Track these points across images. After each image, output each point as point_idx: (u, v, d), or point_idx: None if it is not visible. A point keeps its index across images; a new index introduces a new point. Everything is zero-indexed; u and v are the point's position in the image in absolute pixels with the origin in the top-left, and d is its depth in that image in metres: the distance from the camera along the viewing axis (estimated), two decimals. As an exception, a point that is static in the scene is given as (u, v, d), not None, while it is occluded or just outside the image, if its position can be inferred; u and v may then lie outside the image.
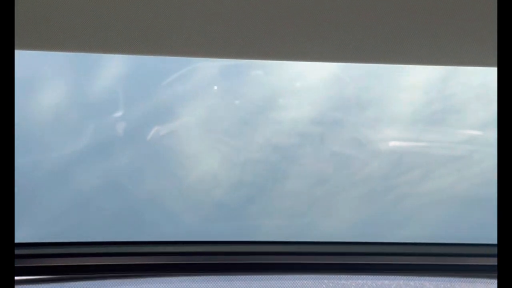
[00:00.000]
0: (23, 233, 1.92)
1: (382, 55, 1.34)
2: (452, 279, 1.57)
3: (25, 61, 2.08)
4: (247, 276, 1.52)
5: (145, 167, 2.23)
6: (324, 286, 1.51)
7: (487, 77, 2.11)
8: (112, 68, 2.18)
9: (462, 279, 1.57)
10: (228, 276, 1.52)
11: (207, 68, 2.15)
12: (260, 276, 1.52)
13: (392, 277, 1.56)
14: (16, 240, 1.26)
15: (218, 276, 1.52)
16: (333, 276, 1.54)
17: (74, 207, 2.20)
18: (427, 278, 1.57)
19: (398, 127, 2.19)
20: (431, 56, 1.35)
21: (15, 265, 1.49)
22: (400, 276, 1.57)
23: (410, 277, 1.56)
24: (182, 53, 1.33)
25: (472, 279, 1.57)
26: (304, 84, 2.15)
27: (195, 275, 1.53)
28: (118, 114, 2.18)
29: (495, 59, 1.35)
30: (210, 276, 1.53)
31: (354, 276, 1.55)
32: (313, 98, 2.16)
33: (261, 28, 1.20)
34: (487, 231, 2.23)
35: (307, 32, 1.23)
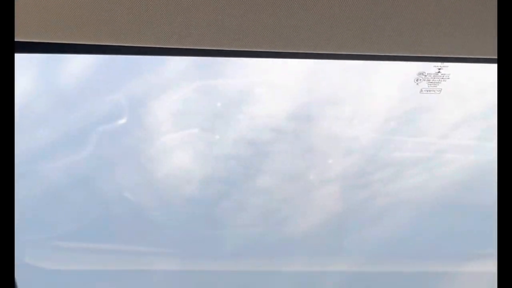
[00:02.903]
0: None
1: (383, 46, 1.33)
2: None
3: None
4: None
5: (114, 160, 2.17)
6: None
7: (462, 74, 2.11)
8: (81, 57, 2.10)
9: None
10: None
11: (181, 60, 2.09)
12: None
13: None
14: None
15: None
16: None
17: (39, 202, 2.13)
18: None
19: (373, 124, 2.18)
20: (432, 48, 1.35)
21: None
22: None
23: None
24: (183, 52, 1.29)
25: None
26: (279, 79, 2.12)
27: None
28: (87, 105, 2.11)
29: (495, 54, 1.35)
30: None
31: None
32: (288, 93, 2.13)
33: (268, 21, 1.18)
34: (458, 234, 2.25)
35: (309, 26, 1.21)
